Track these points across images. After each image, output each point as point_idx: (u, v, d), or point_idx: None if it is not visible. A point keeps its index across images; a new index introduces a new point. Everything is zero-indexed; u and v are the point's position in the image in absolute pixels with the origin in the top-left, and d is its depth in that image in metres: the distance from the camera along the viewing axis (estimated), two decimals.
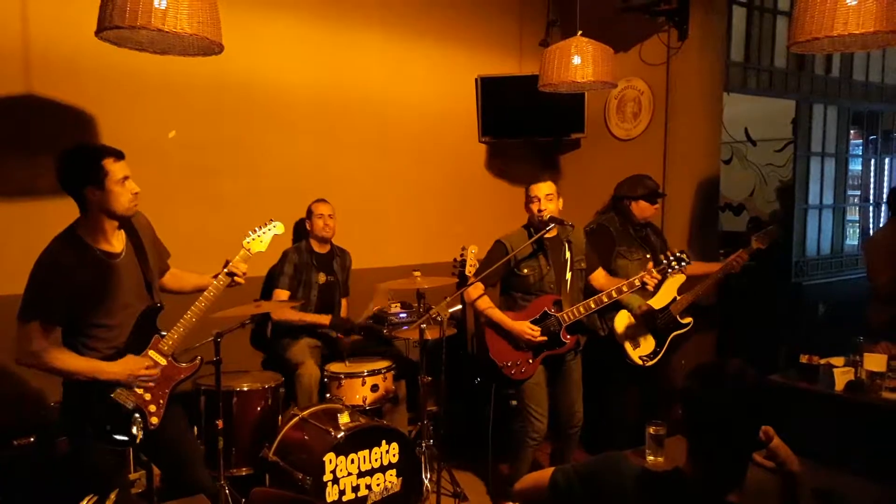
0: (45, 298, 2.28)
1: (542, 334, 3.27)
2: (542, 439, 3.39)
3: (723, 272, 3.64)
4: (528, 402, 3.34)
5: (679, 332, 3.72)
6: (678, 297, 3.71)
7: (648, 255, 3.77)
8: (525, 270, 3.35)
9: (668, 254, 3.30)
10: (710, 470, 1.54)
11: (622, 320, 3.67)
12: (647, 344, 3.70)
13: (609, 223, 3.87)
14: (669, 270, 3.26)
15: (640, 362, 3.67)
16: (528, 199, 3.34)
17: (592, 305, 3.27)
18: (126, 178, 2.36)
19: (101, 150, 2.36)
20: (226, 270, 2.65)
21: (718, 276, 3.64)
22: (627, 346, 3.66)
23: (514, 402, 3.39)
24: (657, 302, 3.69)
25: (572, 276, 3.38)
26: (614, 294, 3.26)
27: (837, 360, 3.32)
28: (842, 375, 3.18)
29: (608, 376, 3.81)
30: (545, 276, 3.36)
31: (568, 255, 3.38)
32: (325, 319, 3.83)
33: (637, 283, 3.24)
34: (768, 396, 1.56)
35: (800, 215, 5.75)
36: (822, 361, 3.36)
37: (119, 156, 2.36)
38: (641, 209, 3.80)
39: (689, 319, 3.73)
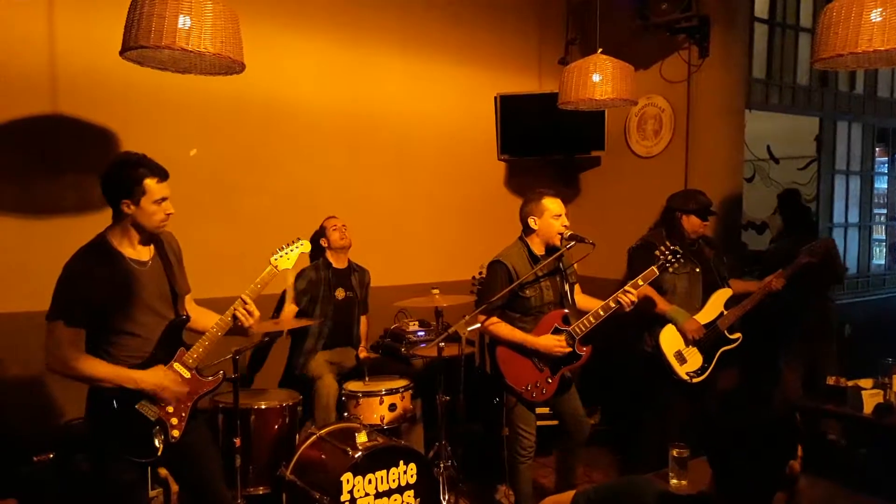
0: (70, 297, 2.31)
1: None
2: (533, 455, 3.33)
3: (765, 289, 3.69)
4: (518, 423, 3.28)
5: (727, 347, 3.65)
6: (725, 312, 3.64)
7: (698, 269, 3.68)
8: (528, 292, 3.24)
9: (663, 248, 3.25)
10: (735, 496, 1.50)
11: (668, 335, 3.59)
12: (695, 360, 3.61)
13: (655, 239, 3.68)
14: (668, 265, 3.24)
15: (687, 378, 3.57)
16: (549, 215, 3.22)
17: (602, 313, 3.19)
18: (164, 199, 2.39)
19: (146, 169, 2.36)
20: (230, 317, 2.55)
21: (764, 292, 3.69)
22: (673, 362, 3.57)
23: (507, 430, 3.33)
24: (703, 317, 3.62)
25: (569, 288, 3.33)
26: (620, 295, 3.17)
27: (865, 382, 3.25)
28: (870, 398, 3.12)
29: (652, 393, 3.72)
30: (545, 297, 3.26)
31: (560, 266, 3.31)
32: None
33: (640, 282, 3.20)
34: (794, 423, 1.51)
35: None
36: (850, 383, 3.29)
37: (163, 177, 2.39)
38: (692, 224, 3.69)
39: (737, 335, 3.66)
